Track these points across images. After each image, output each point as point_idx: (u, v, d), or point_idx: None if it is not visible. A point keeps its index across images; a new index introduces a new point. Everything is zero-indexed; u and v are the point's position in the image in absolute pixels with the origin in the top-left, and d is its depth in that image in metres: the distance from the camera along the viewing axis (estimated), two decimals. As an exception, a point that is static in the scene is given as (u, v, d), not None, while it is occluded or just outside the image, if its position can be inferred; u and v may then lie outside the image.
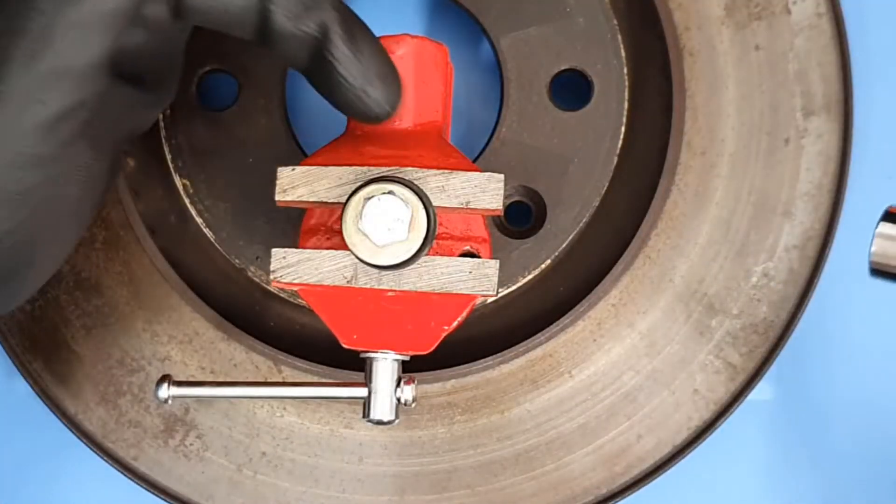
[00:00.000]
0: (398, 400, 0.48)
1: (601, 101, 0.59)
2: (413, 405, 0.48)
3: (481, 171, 0.47)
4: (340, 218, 0.45)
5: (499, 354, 0.57)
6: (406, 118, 0.50)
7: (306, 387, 0.51)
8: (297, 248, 0.48)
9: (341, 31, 0.43)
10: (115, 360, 0.57)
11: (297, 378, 0.56)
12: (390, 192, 0.44)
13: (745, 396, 0.57)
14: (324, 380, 0.56)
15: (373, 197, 0.45)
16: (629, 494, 0.57)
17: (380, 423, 0.48)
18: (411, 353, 0.48)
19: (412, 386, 0.48)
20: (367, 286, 0.47)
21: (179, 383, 0.48)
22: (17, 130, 0.37)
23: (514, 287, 0.60)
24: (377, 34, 0.50)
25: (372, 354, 0.48)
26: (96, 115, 0.40)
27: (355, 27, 0.44)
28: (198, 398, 0.55)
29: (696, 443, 0.57)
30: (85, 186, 0.42)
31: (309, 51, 0.44)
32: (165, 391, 0.48)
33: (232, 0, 0.42)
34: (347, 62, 0.43)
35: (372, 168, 0.47)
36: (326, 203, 0.47)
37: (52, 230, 0.42)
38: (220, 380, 0.56)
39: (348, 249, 0.45)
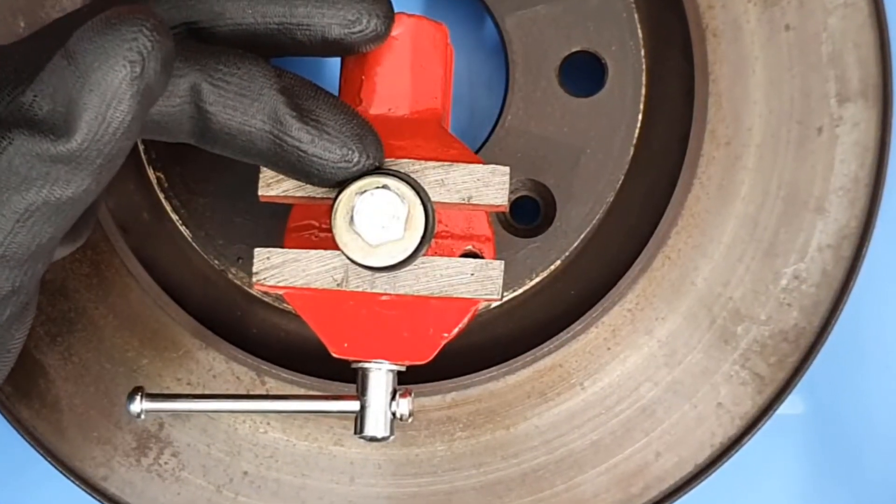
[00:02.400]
0: (393, 414, 0.48)
1: (616, 87, 0.59)
2: (410, 420, 0.48)
3: (484, 163, 0.47)
4: (330, 215, 0.44)
5: (504, 364, 0.57)
6: (402, 105, 0.50)
7: (292, 400, 0.51)
8: (282, 247, 0.48)
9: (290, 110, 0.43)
10: (82, 370, 0.57)
11: (282, 390, 0.57)
12: (384, 187, 0.44)
13: (774, 410, 0.57)
14: (312, 392, 0.56)
15: (365, 191, 0.44)
16: (646, 517, 0.57)
17: (373, 439, 0.48)
18: (408, 362, 0.48)
19: (409, 399, 0.48)
20: (360, 289, 0.47)
21: (153, 396, 0.48)
22: None
23: (520, 290, 0.60)
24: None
25: (365, 364, 0.48)
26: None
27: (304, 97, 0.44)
28: (173, 412, 0.56)
29: (719, 461, 0.57)
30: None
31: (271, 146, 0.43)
32: (138, 405, 0.48)
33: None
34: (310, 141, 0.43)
35: (364, 159, 0.46)
36: (314, 198, 0.47)
37: None
38: (198, 392, 0.56)
39: (338, 249, 0.45)
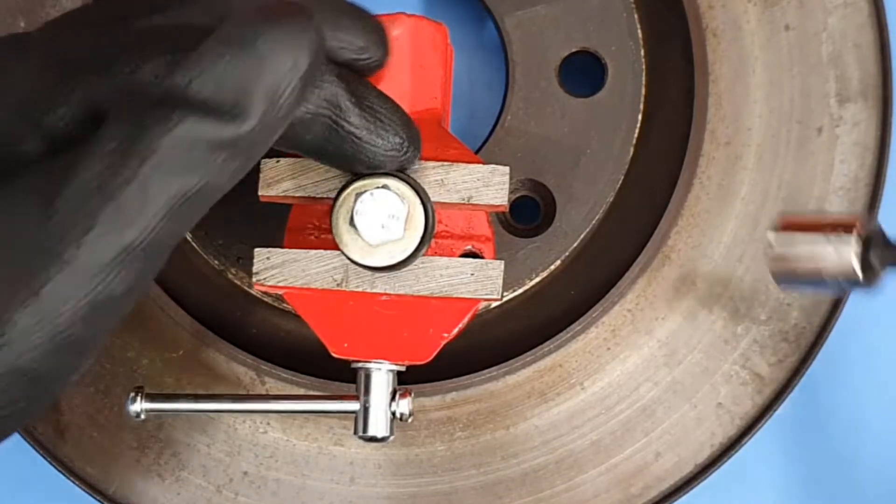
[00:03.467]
0: (393, 414, 0.48)
1: (616, 87, 0.59)
2: (410, 420, 0.48)
3: (484, 163, 0.47)
4: (330, 215, 0.45)
5: (503, 364, 0.57)
6: (402, 105, 0.49)
7: (292, 400, 0.51)
8: (282, 247, 0.48)
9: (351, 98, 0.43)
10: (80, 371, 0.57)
11: (282, 390, 0.57)
12: (384, 187, 0.44)
13: (774, 411, 0.57)
14: (312, 392, 0.56)
15: (365, 191, 0.44)
16: (646, 518, 0.57)
17: (373, 439, 0.48)
18: (408, 362, 0.48)
19: (409, 399, 0.48)
20: (360, 289, 0.47)
21: (153, 396, 0.48)
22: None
23: (520, 290, 0.60)
24: (371, 12, 0.50)
25: (365, 364, 0.48)
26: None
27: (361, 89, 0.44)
28: (173, 413, 0.55)
29: (719, 461, 0.57)
30: None
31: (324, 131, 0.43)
32: (138, 405, 0.48)
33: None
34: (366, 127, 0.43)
35: (364, 160, 0.46)
36: (314, 198, 0.47)
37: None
38: (198, 392, 0.56)
39: (338, 249, 0.45)
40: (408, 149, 0.44)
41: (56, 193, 0.35)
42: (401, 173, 0.45)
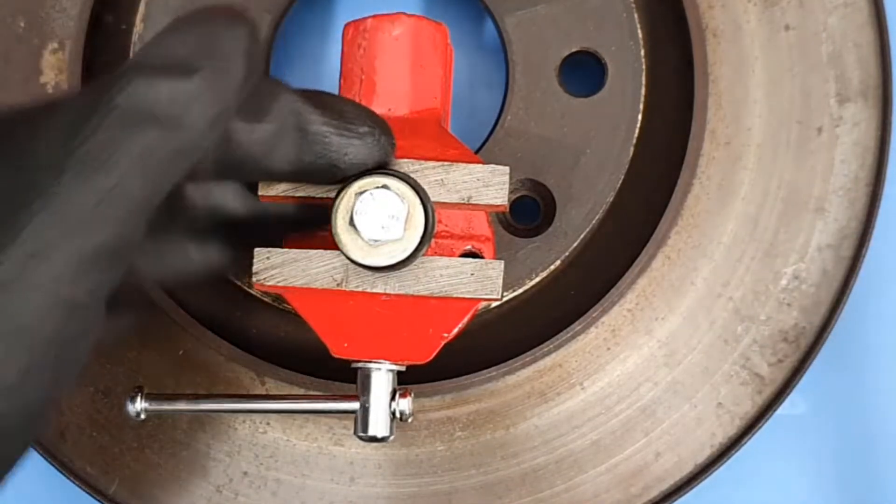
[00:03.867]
0: (393, 414, 0.48)
1: (616, 87, 0.60)
2: (410, 420, 0.48)
3: (484, 163, 0.47)
4: (329, 215, 0.45)
5: (503, 364, 0.57)
6: (401, 105, 0.50)
7: (293, 400, 0.51)
8: (282, 247, 0.48)
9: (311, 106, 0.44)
10: (82, 370, 0.56)
11: (281, 390, 0.57)
12: (384, 187, 0.44)
13: (774, 410, 0.57)
14: (311, 392, 0.56)
15: (365, 191, 0.44)
16: (646, 518, 0.57)
17: (373, 439, 0.48)
18: (408, 362, 0.48)
19: (409, 399, 0.48)
20: (359, 289, 0.47)
21: (153, 396, 0.48)
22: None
23: (520, 290, 0.60)
24: (370, 12, 0.50)
25: (365, 364, 0.48)
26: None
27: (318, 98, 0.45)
28: (174, 413, 0.55)
29: (719, 461, 0.57)
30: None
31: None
32: (138, 405, 0.48)
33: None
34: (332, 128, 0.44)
35: (364, 160, 0.47)
36: (314, 198, 0.47)
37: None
38: (199, 392, 0.56)
39: (338, 249, 0.45)
40: (380, 136, 0.45)
41: (25, 150, 0.37)
42: (400, 173, 0.45)
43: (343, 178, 0.45)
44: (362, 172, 0.45)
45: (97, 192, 0.36)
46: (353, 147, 0.44)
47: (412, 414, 0.48)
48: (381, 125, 0.45)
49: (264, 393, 0.57)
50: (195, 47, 0.39)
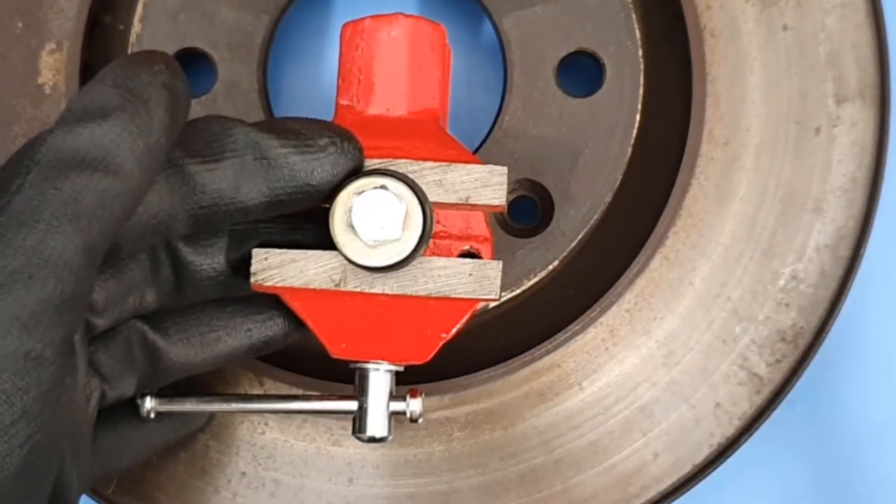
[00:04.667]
0: (403, 414, 0.48)
1: (614, 87, 0.60)
2: (420, 420, 0.48)
3: (482, 163, 0.47)
4: (328, 215, 0.45)
5: (501, 365, 0.57)
6: (400, 106, 0.50)
7: (292, 400, 0.51)
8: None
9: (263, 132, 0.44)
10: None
11: (279, 391, 0.56)
12: (382, 187, 0.45)
13: (772, 411, 0.57)
14: (310, 392, 0.56)
15: (363, 192, 0.45)
16: (645, 518, 0.57)
17: (372, 439, 0.48)
18: (406, 363, 0.48)
19: (419, 399, 0.48)
20: (358, 290, 0.47)
21: (164, 396, 0.49)
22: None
23: (518, 291, 0.60)
24: (368, 13, 0.50)
25: (363, 365, 0.48)
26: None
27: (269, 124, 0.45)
28: (183, 412, 0.55)
29: (717, 461, 0.57)
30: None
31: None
32: (149, 404, 0.49)
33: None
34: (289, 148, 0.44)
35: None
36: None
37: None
38: (207, 392, 0.56)
39: (337, 250, 0.45)
40: (342, 144, 0.45)
41: None
42: (398, 173, 0.45)
43: (322, 198, 0.45)
44: (360, 173, 0.45)
45: (22, 251, 0.37)
46: (318, 162, 0.44)
47: (422, 414, 0.48)
48: (340, 133, 0.45)
49: (262, 394, 0.57)
50: (112, 92, 0.40)
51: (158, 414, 0.49)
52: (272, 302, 0.49)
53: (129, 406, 0.49)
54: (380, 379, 0.48)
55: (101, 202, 0.38)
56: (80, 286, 0.38)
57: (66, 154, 0.38)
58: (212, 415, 0.56)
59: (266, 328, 0.49)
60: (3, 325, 0.36)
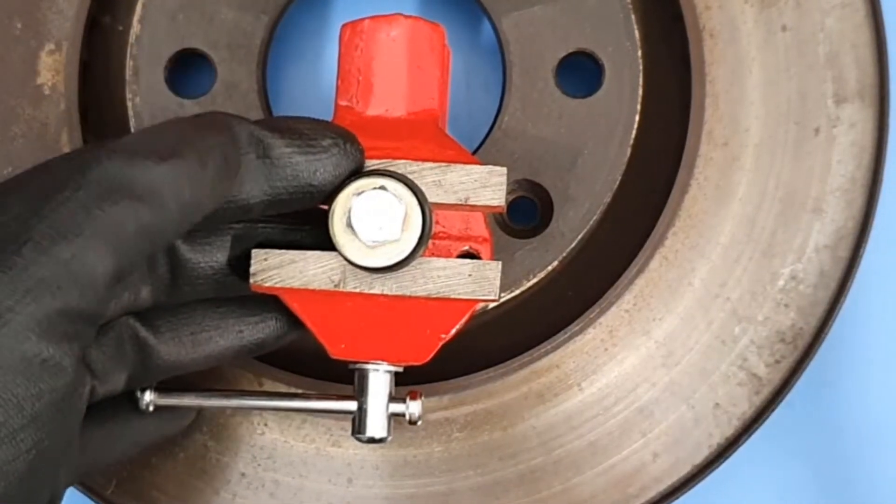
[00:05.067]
0: (403, 416, 0.48)
1: (613, 87, 0.60)
2: (420, 422, 0.48)
3: (482, 164, 0.47)
4: (327, 216, 0.45)
5: (501, 365, 0.57)
6: (399, 106, 0.50)
7: (293, 399, 0.51)
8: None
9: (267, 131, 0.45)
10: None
11: (279, 391, 0.56)
12: (382, 188, 0.45)
13: (772, 411, 0.57)
14: (309, 392, 0.56)
15: (362, 192, 0.45)
16: (644, 518, 0.57)
17: (371, 440, 0.48)
18: (405, 363, 0.48)
19: (419, 402, 0.48)
20: (357, 290, 0.47)
21: (163, 389, 0.49)
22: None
23: (517, 291, 0.60)
24: (367, 13, 0.50)
25: (362, 365, 0.48)
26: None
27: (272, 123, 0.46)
28: (182, 406, 0.55)
29: (717, 462, 0.57)
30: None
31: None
32: (148, 397, 0.49)
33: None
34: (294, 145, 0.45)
35: (361, 161, 0.47)
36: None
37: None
38: (207, 387, 0.56)
39: (336, 250, 0.45)
40: (344, 145, 0.45)
41: None
42: (397, 174, 0.45)
43: (323, 198, 0.45)
44: (363, 173, 0.45)
45: (56, 262, 0.37)
46: (321, 163, 0.45)
47: (422, 416, 0.48)
48: (343, 134, 0.45)
49: (262, 390, 0.56)
50: (174, 139, 0.41)
51: (157, 408, 0.49)
52: (265, 304, 0.49)
53: (118, 402, 0.49)
54: (379, 379, 0.48)
55: (139, 233, 0.39)
56: (101, 305, 0.39)
57: (119, 181, 0.39)
58: (207, 413, 0.55)
59: (258, 330, 0.50)
60: (24, 329, 0.37)
